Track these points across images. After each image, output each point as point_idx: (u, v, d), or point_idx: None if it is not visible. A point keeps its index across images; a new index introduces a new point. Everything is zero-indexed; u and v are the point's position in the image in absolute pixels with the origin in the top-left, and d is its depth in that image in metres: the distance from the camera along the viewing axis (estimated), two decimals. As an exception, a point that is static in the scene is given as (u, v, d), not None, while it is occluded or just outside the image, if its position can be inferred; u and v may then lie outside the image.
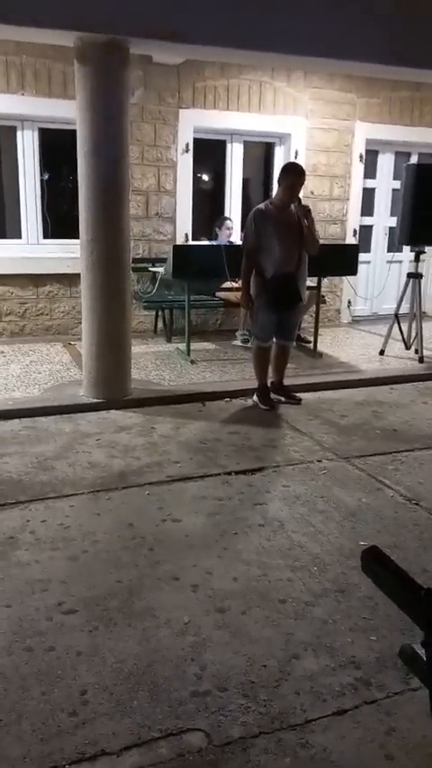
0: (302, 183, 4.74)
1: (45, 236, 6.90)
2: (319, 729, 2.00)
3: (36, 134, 6.63)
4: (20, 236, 6.82)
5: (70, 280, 6.67)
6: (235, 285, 5.80)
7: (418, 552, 3.03)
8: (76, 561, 2.89)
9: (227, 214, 7.50)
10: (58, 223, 6.89)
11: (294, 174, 4.68)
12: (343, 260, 6.45)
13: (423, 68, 5.33)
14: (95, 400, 4.87)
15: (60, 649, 2.32)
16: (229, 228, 6.95)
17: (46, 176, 6.92)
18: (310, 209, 4.85)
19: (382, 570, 1.40)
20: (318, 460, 4.06)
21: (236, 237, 6.90)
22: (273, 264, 4.73)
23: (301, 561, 2.91)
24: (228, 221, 7.05)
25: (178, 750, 1.91)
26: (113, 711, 2.05)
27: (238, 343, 6.83)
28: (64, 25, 4.15)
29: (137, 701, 2.09)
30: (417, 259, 6.45)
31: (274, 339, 5.03)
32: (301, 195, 5.44)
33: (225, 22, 4.46)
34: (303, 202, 4.86)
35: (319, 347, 6.63)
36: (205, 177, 7.82)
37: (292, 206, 4.75)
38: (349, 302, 8.21)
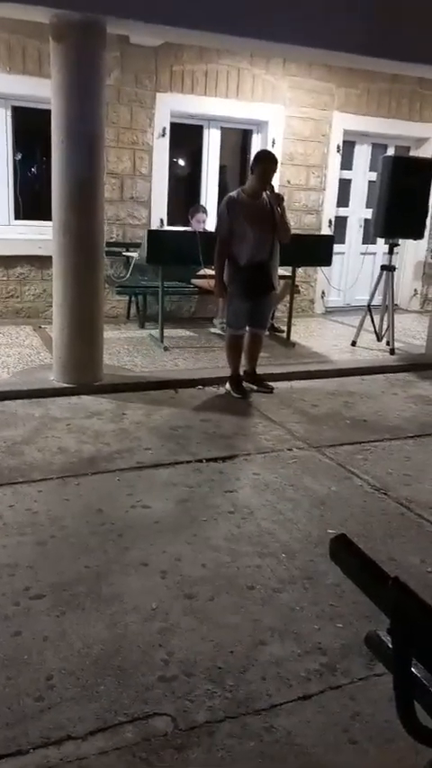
0: (274, 171, 4.73)
1: (17, 217, 6.78)
2: (284, 714, 2.02)
3: (9, 112, 6.49)
4: (-10, 217, 6.69)
5: (42, 262, 6.56)
6: (209, 272, 5.77)
7: (384, 541, 3.07)
8: (44, 546, 2.87)
9: (203, 200, 7.45)
10: (31, 205, 6.78)
11: (267, 161, 4.67)
12: (318, 250, 6.47)
13: (399, 60, 5.34)
14: (66, 385, 4.83)
15: (27, 634, 2.30)
16: (200, 221, 6.85)
17: (19, 156, 6.80)
18: (282, 197, 4.85)
19: (350, 558, 1.41)
20: (288, 449, 4.09)
21: (209, 227, 6.84)
22: (245, 252, 4.72)
23: (269, 548, 2.93)
24: (199, 214, 6.92)
25: (144, 734, 1.91)
26: (80, 696, 2.04)
27: (216, 330, 6.80)
28: (39, 1, 4.05)
29: (103, 686, 2.08)
30: (390, 251, 6.49)
31: (247, 327, 5.03)
32: (276, 184, 5.44)
33: (204, 4, 4.41)
34: (276, 191, 4.84)
35: (293, 337, 6.65)
36: (182, 162, 7.75)
37: (265, 194, 4.74)
38: (323, 293, 8.24)
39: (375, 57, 5.22)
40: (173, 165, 7.30)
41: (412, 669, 1.40)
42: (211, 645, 2.30)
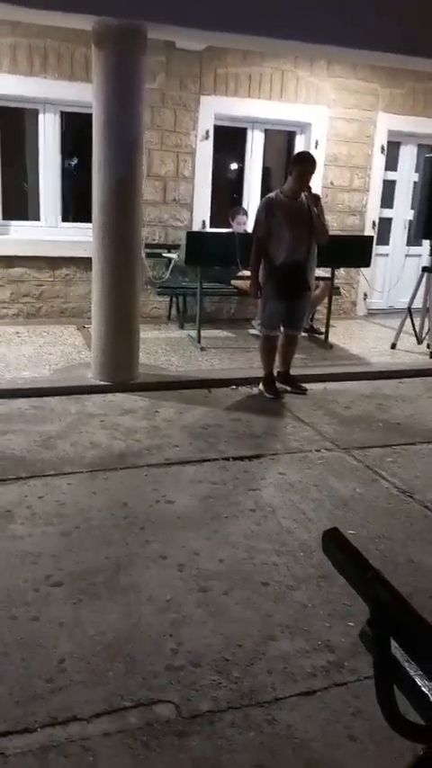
0: (312, 173, 4.74)
1: (64, 220, 6.96)
2: (287, 708, 2.05)
3: (57, 117, 6.68)
4: (38, 219, 6.89)
5: (87, 263, 6.64)
6: (248, 274, 5.81)
7: (405, 543, 3.05)
8: (69, 537, 2.96)
9: (245, 202, 7.50)
10: (79, 207, 6.95)
11: (304, 163, 4.69)
12: (357, 251, 6.43)
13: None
14: (102, 383, 4.94)
15: (44, 619, 2.39)
16: (240, 224, 6.88)
17: (75, 161, 6.98)
18: (319, 198, 4.85)
19: (339, 552, 1.44)
20: (316, 450, 4.09)
21: (250, 229, 6.87)
22: (282, 253, 4.75)
23: (287, 546, 2.95)
24: (240, 216, 6.96)
25: (147, 720, 1.97)
26: (88, 680, 2.12)
27: (254, 331, 6.82)
28: (81, 9, 4.18)
29: (112, 672, 2.15)
30: (431, 253, 6.41)
31: (282, 328, 5.05)
32: (319, 185, 5.44)
33: (246, 8, 4.45)
34: (314, 191, 4.85)
35: (332, 339, 6.62)
36: (233, 166, 7.80)
37: (303, 195, 4.75)
38: (365, 295, 8.17)
39: (419, 56, 5.17)
40: (216, 168, 7.37)
41: (395, 657, 1.43)
42: (220, 637, 2.34)
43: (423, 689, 1.45)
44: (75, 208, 6.97)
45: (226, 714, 2.01)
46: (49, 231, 6.89)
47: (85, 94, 6.12)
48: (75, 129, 6.77)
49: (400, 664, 1.51)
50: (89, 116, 4.73)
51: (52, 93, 6.43)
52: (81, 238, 6.67)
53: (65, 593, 2.55)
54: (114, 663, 2.19)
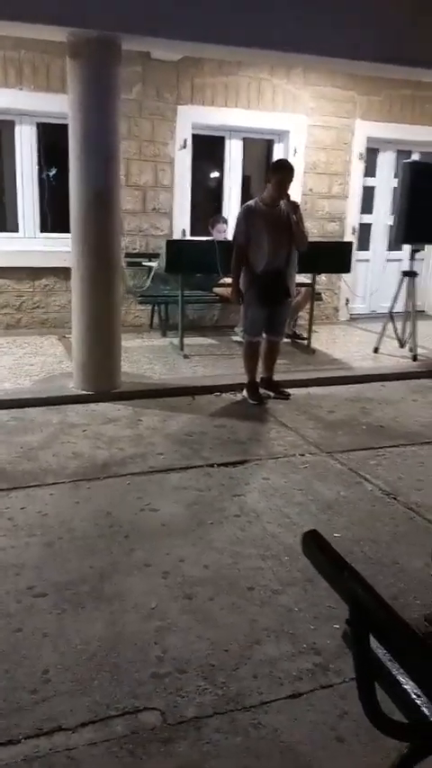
0: (291, 180, 4.77)
1: (43, 230, 6.95)
2: (273, 711, 2.04)
3: (34, 128, 6.68)
4: (17, 230, 6.87)
5: (66, 273, 6.60)
6: (229, 281, 5.83)
7: (390, 545, 3.06)
8: (52, 547, 2.94)
9: (225, 210, 7.53)
10: (57, 217, 6.93)
11: (282, 171, 4.72)
12: (337, 257, 6.47)
13: (421, 67, 5.34)
14: (85, 392, 4.92)
15: (27, 630, 2.37)
16: (220, 231, 6.92)
17: (53, 171, 6.97)
18: (298, 205, 4.89)
19: (318, 552, 1.45)
20: (300, 454, 4.10)
21: (230, 237, 6.90)
22: (262, 260, 4.77)
23: (272, 551, 2.95)
24: (220, 224, 7.00)
25: (132, 727, 1.95)
26: (73, 690, 2.09)
27: (237, 338, 6.84)
28: (55, 20, 4.19)
29: (97, 681, 2.13)
30: (412, 257, 6.46)
31: (264, 334, 5.07)
32: (299, 192, 5.46)
33: (221, 19, 4.49)
34: (293, 199, 4.89)
35: (315, 344, 6.65)
36: (213, 175, 7.84)
37: (282, 202, 4.78)
38: (347, 300, 8.22)
39: (395, 64, 5.24)
40: (195, 176, 7.39)
41: (376, 656, 1.43)
42: (206, 643, 2.33)
43: (405, 687, 1.46)
44: (53, 218, 6.95)
45: (212, 720, 1.99)
46: (27, 242, 6.87)
47: (61, 105, 6.10)
48: (52, 139, 6.77)
49: (382, 663, 1.52)
50: (66, 126, 4.74)
51: (28, 104, 6.44)
52: (60, 248, 6.65)
53: (48, 603, 2.53)
54: (99, 672, 2.17)
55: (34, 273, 6.85)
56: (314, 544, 1.46)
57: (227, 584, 2.69)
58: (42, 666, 2.19)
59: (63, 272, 6.78)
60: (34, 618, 2.44)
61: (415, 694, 1.40)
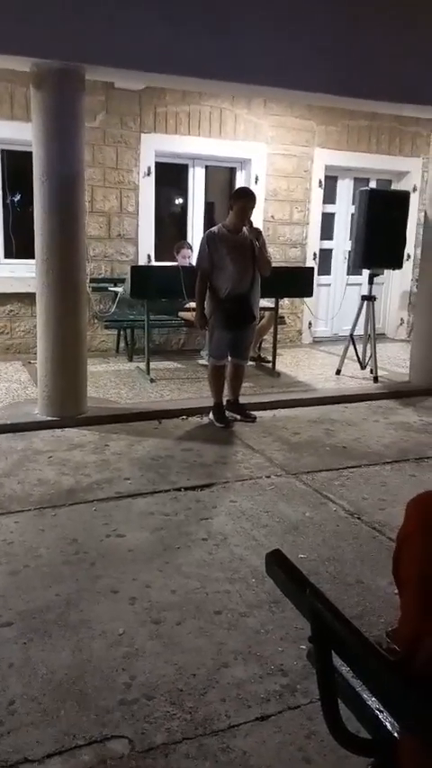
0: (252, 207, 4.88)
1: (7, 256, 6.94)
2: (241, 734, 2.04)
3: (-2, 156, 6.70)
4: (-19, 256, 6.86)
5: (32, 299, 6.57)
6: (194, 305, 5.89)
7: (354, 564, 3.10)
8: (17, 576, 2.91)
9: (189, 236, 7.63)
10: (23, 244, 6.93)
11: (245, 198, 4.83)
12: (300, 282, 6.61)
13: (374, 100, 5.54)
14: (50, 418, 4.90)
15: (-8, 661, 2.33)
16: (185, 257, 7.01)
17: (17, 197, 6.98)
18: (260, 232, 4.99)
19: (280, 572, 1.48)
20: (266, 476, 4.14)
21: (194, 262, 6.99)
22: (227, 284, 4.85)
23: (239, 573, 2.97)
24: (184, 249, 7.09)
25: (100, 757, 1.94)
26: (39, 721, 2.07)
27: (203, 362, 6.88)
28: (19, 51, 4.25)
29: (64, 711, 2.11)
30: (371, 282, 6.62)
31: (229, 358, 5.13)
32: (260, 219, 5.57)
33: (183, 51, 4.60)
34: (255, 225, 5.00)
35: (279, 367, 6.74)
36: (177, 201, 7.94)
37: (245, 228, 4.88)
38: (310, 323, 8.36)
39: (352, 97, 5.42)
40: (159, 203, 7.48)
41: (340, 672, 1.45)
42: (174, 668, 2.33)
43: (368, 703, 1.49)
44: (18, 243, 6.95)
45: (181, 745, 1.99)
46: (-8, 268, 6.85)
47: (24, 133, 6.18)
48: (16, 166, 6.79)
49: (345, 680, 1.55)
50: (30, 154, 4.77)
51: (-8, 132, 6.46)
52: (25, 274, 6.65)
53: (14, 633, 2.50)
54: (66, 701, 2.16)
55: (-1, 299, 6.81)
56: (276, 564, 1.49)
57: (194, 608, 2.70)
58: (8, 697, 2.16)
59: (28, 298, 6.75)
60: (0, 648, 2.40)
61: (378, 710, 1.43)
